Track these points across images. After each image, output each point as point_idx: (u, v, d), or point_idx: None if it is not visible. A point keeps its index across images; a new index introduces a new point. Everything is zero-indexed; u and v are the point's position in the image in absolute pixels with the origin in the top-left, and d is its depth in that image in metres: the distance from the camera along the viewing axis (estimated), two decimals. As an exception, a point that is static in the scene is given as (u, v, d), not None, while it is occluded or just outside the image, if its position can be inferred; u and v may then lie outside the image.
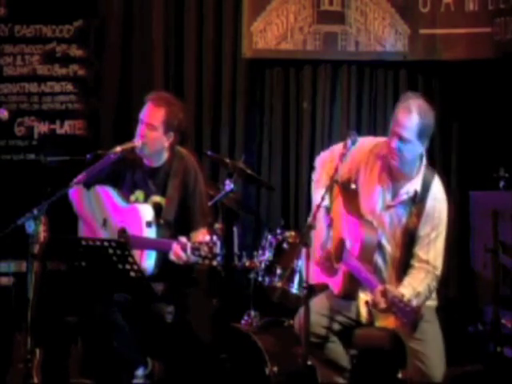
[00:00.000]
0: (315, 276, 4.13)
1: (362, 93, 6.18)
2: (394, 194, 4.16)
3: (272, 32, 6.19)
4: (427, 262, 4.05)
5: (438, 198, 4.14)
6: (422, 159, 4.16)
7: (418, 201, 4.10)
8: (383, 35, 6.08)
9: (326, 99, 6.22)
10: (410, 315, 3.81)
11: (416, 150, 4.08)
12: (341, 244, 4.17)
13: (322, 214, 4.21)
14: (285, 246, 5.17)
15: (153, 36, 6.41)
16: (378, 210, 4.18)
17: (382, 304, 3.88)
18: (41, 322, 4.60)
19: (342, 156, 4.11)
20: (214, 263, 4.13)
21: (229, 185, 5.21)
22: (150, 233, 4.44)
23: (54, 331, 5.11)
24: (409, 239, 4.09)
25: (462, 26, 5.96)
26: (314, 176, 4.38)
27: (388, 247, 4.14)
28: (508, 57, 5.76)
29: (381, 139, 4.24)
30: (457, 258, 5.89)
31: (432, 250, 4.08)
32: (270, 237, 5.23)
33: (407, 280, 4.03)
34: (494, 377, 4.59)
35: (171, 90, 5.87)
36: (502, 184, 5.28)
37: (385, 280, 4.10)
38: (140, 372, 4.47)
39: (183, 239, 4.24)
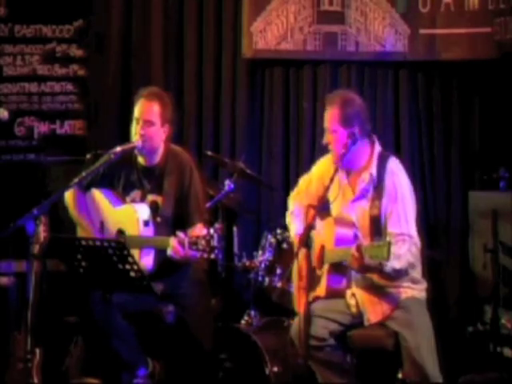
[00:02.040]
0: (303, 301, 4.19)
1: (362, 93, 6.17)
2: (353, 189, 4.31)
3: (272, 32, 6.18)
4: (402, 234, 4.12)
5: (394, 173, 4.27)
6: (374, 147, 4.32)
7: (376, 183, 4.23)
8: (383, 35, 6.07)
9: (326, 99, 6.21)
10: None
11: (346, 138, 4.24)
12: (321, 250, 4.31)
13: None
14: (285, 245, 5.17)
15: (153, 36, 6.41)
16: (345, 211, 4.32)
17: (357, 255, 3.97)
18: (41, 321, 4.60)
19: (343, 156, 4.26)
20: (212, 256, 4.15)
21: (229, 185, 5.21)
22: (148, 232, 4.45)
23: (54, 331, 5.11)
24: (375, 227, 4.19)
25: (461, 26, 5.95)
26: (288, 211, 4.63)
27: (361, 239, 4.21)
28: (508, 57, 5.76)
29: None
30: (456, 258, 5.90)
31: (403, 223, 4.16)
32: (269, 237, 5.23)
33: None
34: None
35: (171, 89, 5.87)
36: (501, 184, 5.28)
37: None
38: (140, 372, 4.48)
39: (181, 234, 4.26)
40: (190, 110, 6.30)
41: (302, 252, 4.22)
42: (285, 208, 6.22)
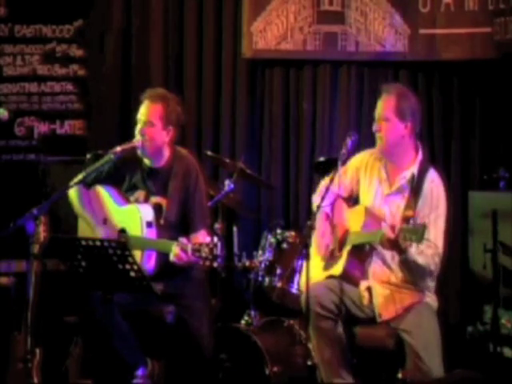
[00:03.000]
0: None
1: (362, 93, 6.17)
2: (391, 184, 4.31)
3: (272, 32, 6.19)
4: (428, 241, 4.12)
5: (435, 182, 4.28)
6: (418, 152, 4.32)
7: (415, 184, 4.22)
8: (383, 35, 6.07)
9: (326, 99, 6.22)
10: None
11: (397, 129, 4.25)
12: (344, 233, 4.33)
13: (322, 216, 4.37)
14: (285, 245, 5.17)
15: (153, 36, 6.41)
16: (378, 202, 4.32)
17: (391, 235, 3.98)
18: (41, 321, 4.60)
19: (343, 156, 4.28)
20: (215, 265, 4.14)
21: (229, 185, 5.21)
22: (150, 233, 4.44)
23: (54, 331, 5.11)
24: None
25: (461, 26, 5.95)
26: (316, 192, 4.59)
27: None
28: (508, 57, 5.76)
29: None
30: (456, 258, 5.90)
31: (432, 230, 4.15)
32: (269, 237, 5.23)
33: None
34: (492, 381, 4.60)
35: (171, 89, 5.86)
36: (501, 184, 5.28)
37: (389, 266, 4.23)
38: (140, 372, 4.48)
39: (184, 240, 4.24)
40: (190, 110, 6.30)
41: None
42: (285, 208, 6.26)
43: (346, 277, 4.26)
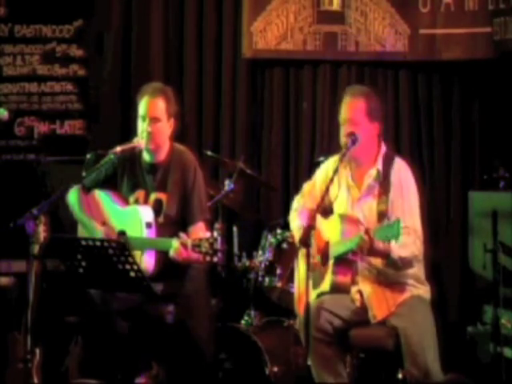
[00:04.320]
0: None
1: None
2: (359, 186, 4.32)
3: (272, 32, 6.19)
4: (407, 227, 4.11)
5: (401, 170, 4.30)
6: (381, 146, 4.34)
7: (382, 179, 4.24)
8: (383, 35, 6.08)
9: (326, 99, 6.22)
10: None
11: (369, 131, 4.26)
12: (326, 245, 4.30)
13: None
14: (285, 246, 5.17)
15: (153, 36, 6.41)
16: (350, 209, 4.32)
17: (366, 238, 3.96)
18: (41, 321, 4.60)
19: (343, 156, 4.27)
20: (215, 259, 4.14)
21: (229, 185, 5.21)
22: (150, 234, 4.44)
23: (54, 331, 5.11)
24: (383, 222, 4.17)
25: (461, 26, 5.96)
26: (292, 210, 4.58)
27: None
28: (508, 57, 5.77)
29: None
30: (456, 258, 5.90)
31: (408, 218, 4.16)
32: (269, 237, 5.24)
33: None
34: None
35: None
36: (502, 184, 5.28)
37: (376, 266, 4.22)
38: (141, 372, 4.48)
39: (184, 236, 4.24)
40: (190, 109, 6.30)
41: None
42: (285, 208, 6.25)
43: (336, 289, 4.23)
